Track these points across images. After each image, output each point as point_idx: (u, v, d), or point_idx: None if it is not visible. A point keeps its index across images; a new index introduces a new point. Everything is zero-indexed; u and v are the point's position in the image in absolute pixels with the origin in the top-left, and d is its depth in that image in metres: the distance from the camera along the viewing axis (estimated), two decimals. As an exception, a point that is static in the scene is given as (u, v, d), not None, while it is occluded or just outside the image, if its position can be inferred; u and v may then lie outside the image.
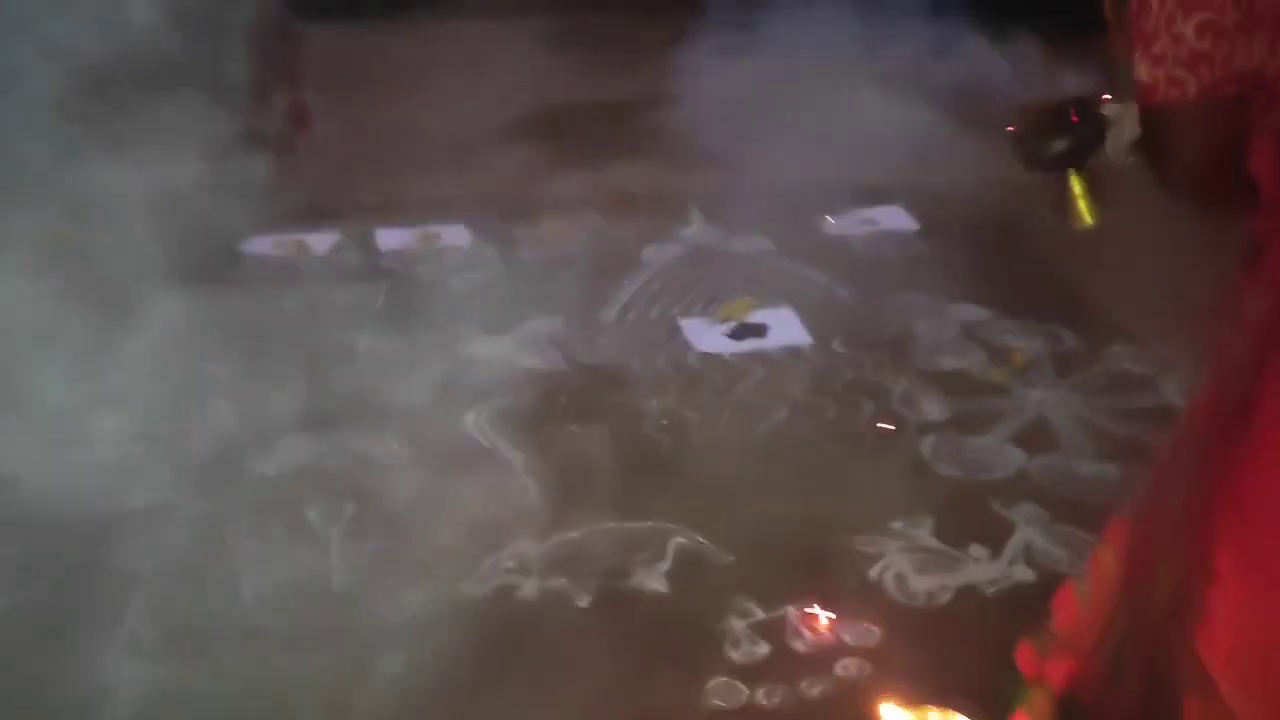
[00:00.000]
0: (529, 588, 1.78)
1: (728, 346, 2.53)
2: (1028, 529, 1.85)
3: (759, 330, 2.59)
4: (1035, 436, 2.12)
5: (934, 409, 2.22)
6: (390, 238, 3.25)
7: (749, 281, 2.84)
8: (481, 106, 4.73)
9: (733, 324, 2.62)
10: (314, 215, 3.41)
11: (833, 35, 5.19)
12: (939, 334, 2.53)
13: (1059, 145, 1.21)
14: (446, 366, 2.48)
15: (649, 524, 1.91)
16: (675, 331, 2.61)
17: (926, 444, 2.10)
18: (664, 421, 2.23)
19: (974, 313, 2.63)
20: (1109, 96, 1.20)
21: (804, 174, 3.68)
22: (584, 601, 1.75)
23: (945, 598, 1.73)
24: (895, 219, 3.24)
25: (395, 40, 6.12)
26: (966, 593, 1.74)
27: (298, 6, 3.59)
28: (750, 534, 1.88)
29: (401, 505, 2.00)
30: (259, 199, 3.45)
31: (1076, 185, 1.21)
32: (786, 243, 3.08)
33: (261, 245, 3.20)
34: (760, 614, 1.69)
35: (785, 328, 2.60)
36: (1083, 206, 1.26)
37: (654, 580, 1.79)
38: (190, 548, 1.88)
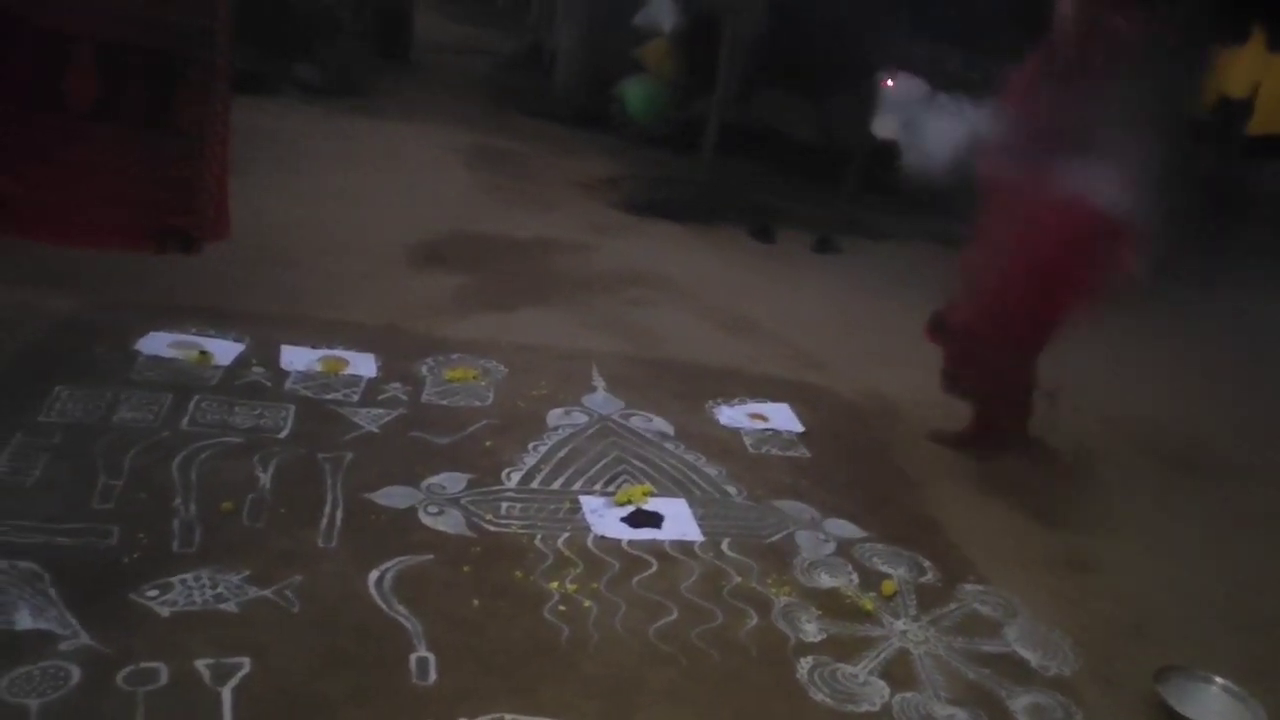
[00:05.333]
0: (423, 779, 1.81)
1: (624, 533, 2.64)
2: (889, 770, 2.02)
3: (654, 519, 2.72)
4: (898, 670, 2.31)
5: (810, 629, 2.40)
6: (296, 356, 3.24)
7: (647, 465, 2.99)
8: (397, 220, 4.80)
9: (630, 508, 2.75)
10: (215, 317, 3.38)
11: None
12: (817, 549, 2.73)
13: None
14: (351, 514, 2.50)
15: (544, 720, 1.98)
16: (576, 507, 2.71)
17: (803, 666, 2.26)
18: (562, 607, 2.31)
19: (849, 530, 2.86)
20: None
21: (706, 355, 3.92)
22: (475, 800, 1.79)
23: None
24: (782, 418, 3.47)
25: (314, 128, 6.14)
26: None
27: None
28: (637, 742, 1.98)
29: (297, 668, 1.99)
30: (159, 292, 3.41)
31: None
32: (683, 428, 3.26)
33: (157, 344, 3.13)
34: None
35: (679, 520, 2.74)
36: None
37: (543, 784, 1.85)
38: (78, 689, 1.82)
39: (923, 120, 3.27)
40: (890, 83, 3.40)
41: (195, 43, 3.09)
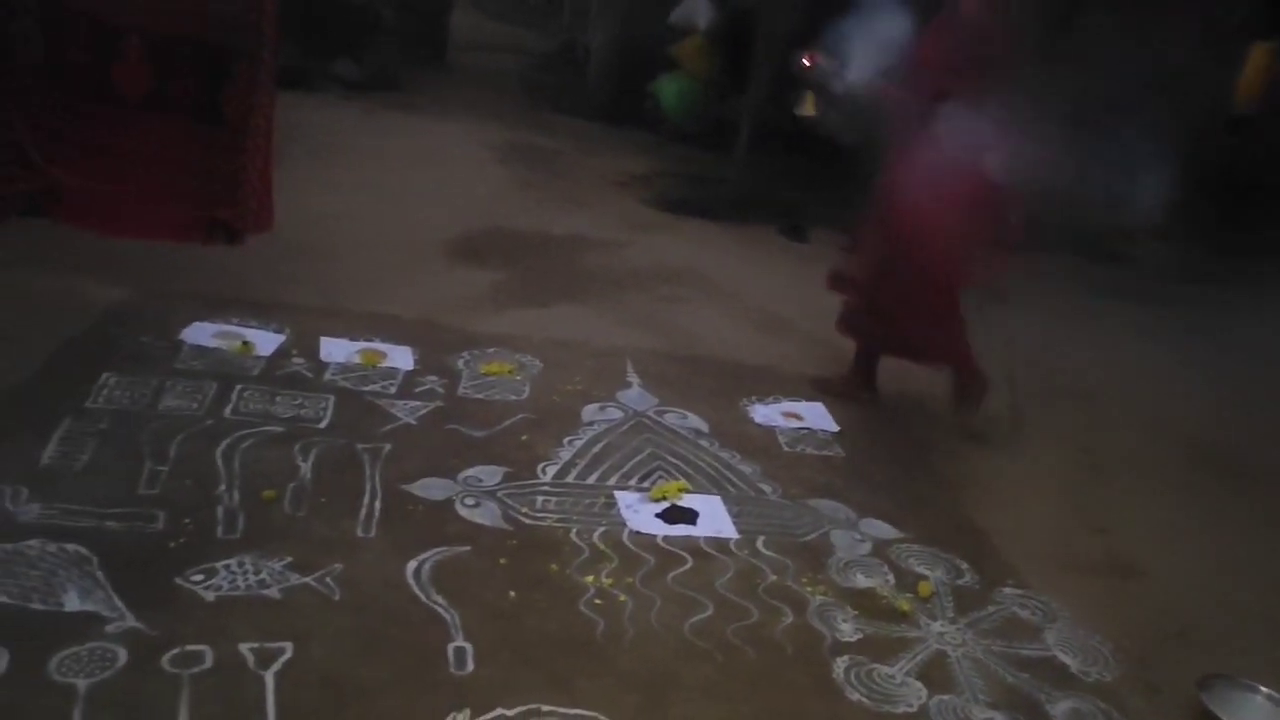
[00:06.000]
0: (462, 768, 1.82)
1: (659, 528, 2.65)
2: (926, 771, 2.01)
3: (689, 516, 2.72)
4: (935, 672, 2.30)
5: (846, 628, 2.39)
6: (334, 348, 3.27)
7: (682, 461, 2.99)
8: (433, 215, 4.83)
9: (665, 504, 2.75)
10: (257, 308, 3.42)
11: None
12: (853, 548, 2.72)
13: None
14: (389, 505, 2.52)
15: (581, 712, 1.98)
16: (611, 502, 2.72)
17: (839, 665, 2.26)
18: (598, 601, 2.32)
19: (885, 530, 2.84)
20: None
21: (739, 353, 3.91)
22: (512, 790, 1.80)
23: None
24: (818, 417, 3.46)
25: (352, 124, 6.19)
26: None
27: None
28: (673, 737, 1.98)
29: (338, 654, 2.01)
30: (203, 283, 3.46)
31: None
32: (718, 426, 3.26)
33: (201, 334, 3.17)
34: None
35: (714, 517, 2.74)
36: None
37: (581, 775, 1.85)
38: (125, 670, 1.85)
39: (842, 94, 3.37)
40: (808, 62, 3.48)
41: (243, 38, 3.12)
